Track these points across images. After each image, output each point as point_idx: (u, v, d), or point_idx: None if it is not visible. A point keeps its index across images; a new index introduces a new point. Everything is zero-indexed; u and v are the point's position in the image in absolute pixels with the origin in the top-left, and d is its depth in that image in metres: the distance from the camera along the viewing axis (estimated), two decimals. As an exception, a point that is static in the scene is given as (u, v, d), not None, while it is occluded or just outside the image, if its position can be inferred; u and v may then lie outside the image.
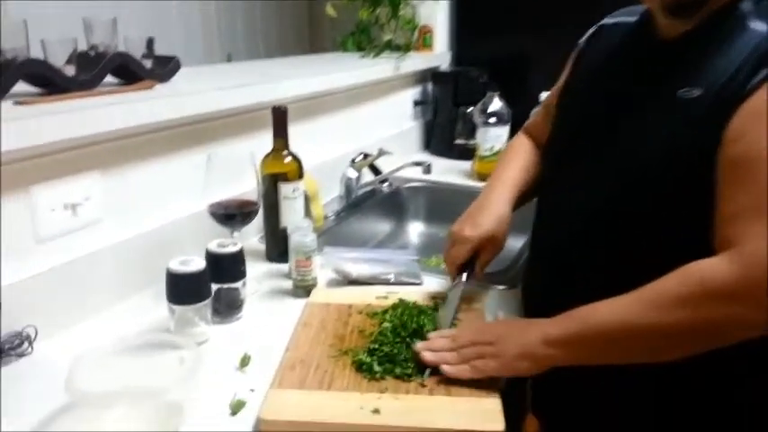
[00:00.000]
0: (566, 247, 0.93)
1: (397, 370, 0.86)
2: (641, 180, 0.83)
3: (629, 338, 0.78)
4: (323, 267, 1.19)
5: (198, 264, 0.95)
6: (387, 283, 1.17)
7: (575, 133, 0.98)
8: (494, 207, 1.06)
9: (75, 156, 1.01)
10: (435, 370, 0.85)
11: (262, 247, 1.33)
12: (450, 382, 0.84)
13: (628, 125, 0.87)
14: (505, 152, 1.21)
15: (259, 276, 1.21)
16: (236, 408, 0.81)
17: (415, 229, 1.81)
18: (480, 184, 1.80)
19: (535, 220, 1.05)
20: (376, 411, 0.78)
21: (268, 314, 1.07)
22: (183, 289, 0.94)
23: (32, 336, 0.93)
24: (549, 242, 0.99)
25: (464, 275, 1.05)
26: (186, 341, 0.84)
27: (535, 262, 1.04)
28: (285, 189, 1.23)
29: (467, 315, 1.02)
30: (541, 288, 1.00)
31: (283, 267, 1.24)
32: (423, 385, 0.84)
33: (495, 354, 0.83)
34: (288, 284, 1.16)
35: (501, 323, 0.92)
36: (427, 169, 1.64)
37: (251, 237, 1.38)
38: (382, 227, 1.73)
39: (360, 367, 0.87)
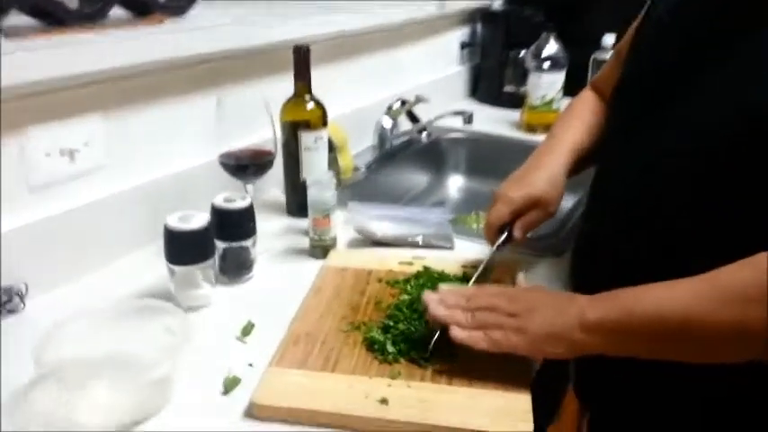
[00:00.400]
0: (627, 214, 0.79)
1: (413, 353, 0.75)
2: (719, 143, 0.68)
3: (683, 333, 0.64)
4: (346, 225, 1.09)
5: (200, 220, 0.85)
6: (414, 245, 1.06)
7: (645, 85, 0.82)
8: (546, 168, 0.93)
9: (74, 96, 0.91)
10: (444, 344, 0.74)
11: (283, 199, 1.23)
12: (472, 370, 0.72)
13: (709, 77, 0.71)
14: (568, 109, 1.05)
15: (277, 232, 1.11)
16: (230, 386, 0.73)
17: (455, 184, 1.67)
18: (528, 137, 1.67)
19: (594, 180, 0.90)
20: (383, 401, 0.68)
21: (280, 276, 0.98)
22: (182, 248, 0.85)
23: (23, 291, 0.86)
24: (608, 206, 0.84)
25: (501, 238, 0.92)
26: (175, 309, 0.75)
27: (590, 227, 0.90)
28: (306, 138, 1.11)
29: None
30: (595, 258, 0.86)
31: (303, 223, 1.13)
32: (440, 372, 0.73)
33: (519, 328, 0.70)
34: (305, 241, 1.06)
35: (532, 292, 0.77)
36: (468, 119, 1.49)
37: (272, 188, 1.28)
38: (418, 180, 1.60)
39: (371, 346, 0.77)
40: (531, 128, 1.69)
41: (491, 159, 1.65)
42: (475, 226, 1.40)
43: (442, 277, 0.91)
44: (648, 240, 0.75)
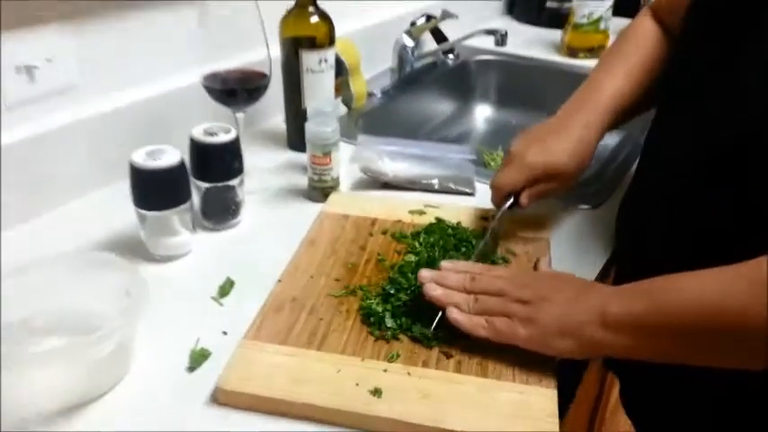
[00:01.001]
0: (682, 186, 0.64)
1: (416, 329, 0.62)
2: None
3: (720, 333, 0.51)
4: (352, 162, 0.94)
5: (171, 156, 0.71)
6: (429, 189, 0.92)
7: (711, 33, 0.63)
8: (575, 132, 0.75)
9: (33, 4, 0.76)
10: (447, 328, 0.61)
11: (284, 127, 1.08)
12: (486, 353, 0.60)
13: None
14: (617, 43, 0.84)
15: (274, 168, 0.98)
16: (196, 360, 0.61)
17: (482, 113, 1.50)
18: (569, 61, 1.47)
19: (648, 140, 0.74)
20: (376, 392, 0.56)
21: (271, 222, 0.85)
22: (151, 189, 0.72)
23: (-27, 233, 0.75)
24: (663, 174, 0.68)
25: (507, 203, 0.76)
26: (132, 268, 0.62)
27: (639, 191, 0.74)
28: (309, 59, 0.95)
29: (524, 247, 0.76)
30: (644, 227, 0.71)
31: (304, 157, 0.99)
32: (448, 355, 0.60)
33: (528, 318, 0.58)
34: (305, 180, 0.92)
35: (547, 278, 0.65)
36: (501, 40, 1.30)
37: (272, 116, 1.13)
38: (441, 109, 1.43)
39: (367, 318, 0.64)
40: (572, 51, 1.49)
41: (525, 87, 1.47)
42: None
43: (458, 232, 0.77)
44: (698, 221, 0.61)
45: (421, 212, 0.83)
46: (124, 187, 0.73)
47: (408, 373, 0.58)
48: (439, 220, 0.80)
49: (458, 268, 0.66)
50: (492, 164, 1.21)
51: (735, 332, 0.50)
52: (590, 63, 1.44)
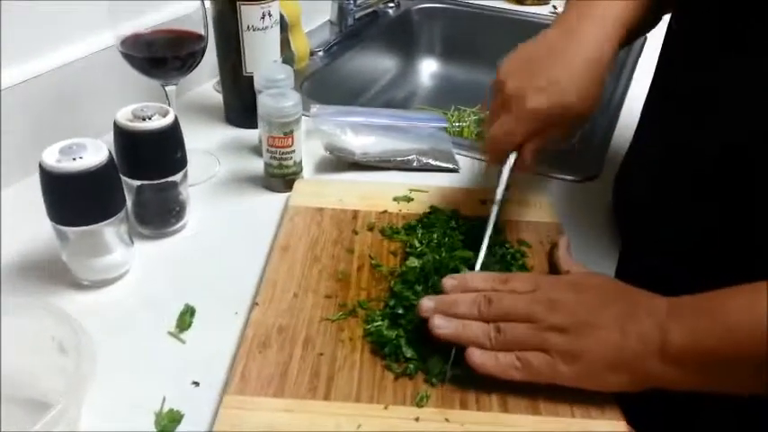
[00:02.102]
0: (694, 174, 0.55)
1: (432, 365, 0.50)
2: None
3: None
4: (308, 137, 0.79)
5: (95, 153, 0.54)
6: (405, 167, 0.78)
7: None
8: (584, 59, 0.58)
9: None
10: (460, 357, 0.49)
11: (218, 97, 0.90)
12: (529, 384, 0.49)
13: None
14: None
15: (214, 149, 0.81)
16: (167, 428, 0.46)
17: (428, 69, 1.37)
18: (517, 8, 1.36)
19: (649, 120, 0.64)
20: (414, 454, 0.44)
21: (226, 222, 0.69)
22: (71, 199, 0.54)
23: None
24: (671, 159, 0.59)
25: (509, 162, 0.61)
26: (60, 312, 0.46)
27: (641, 172, 0.65)
28: (249, 13, 0.77)
29: (536, 235, 0.65)
30: (650, 218, 0.62)
31: (250, 135, 0.83)
32: (487, 390, 0.49)
33: (569, 352, 0.47)
34: (258, 163, 0.76)
35: (586, 291, 0.51)
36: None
37: (202, 82, 0.94)
38: (386, 65, 1.28)
39: (379, 347, 0.51)
40: (519, -3, 1.37)
41: (470, 37, 1.35)
42: (457, 125, 1.13)
43: (462, 224, 0.65)
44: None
45: (408, 199, 0.70)
46: (26, 189, 0.56)
47: (447, 420, 0.47)
48: (434, 210, 0.67)
49: (466, 285, 0.53)
50: (454, 125, 1.09)
51: None
52: (539, 10, 1.35)
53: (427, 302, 0.51)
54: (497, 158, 0.62)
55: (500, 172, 0.61)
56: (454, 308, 0.50)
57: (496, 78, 0.60)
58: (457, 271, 0.57)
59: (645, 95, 0.68)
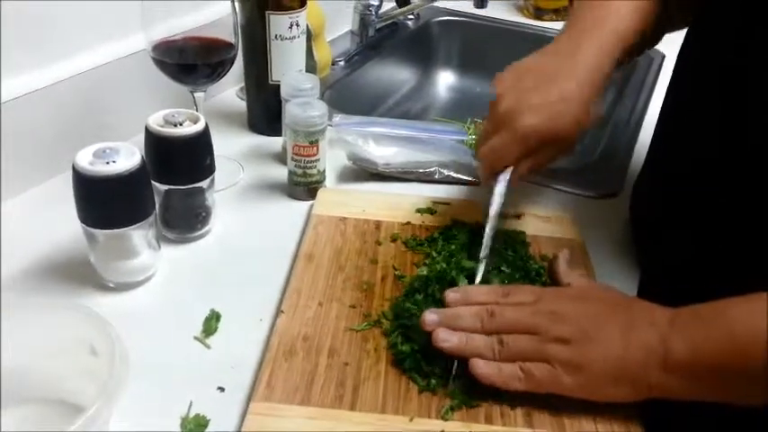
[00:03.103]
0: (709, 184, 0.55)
1: (434, 375, 0.51)
2: None
3: None
4: (330, 146, 0.80)
5: (128, 158, 0.54)
6: (427, 179, 0.79)
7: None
8: (577, 75, 0.58)
9: None
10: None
11: (241, 104, 0.91)
12: (553, 395, 0.49)
13: None
14: None
15: (238, 156, 0.81)
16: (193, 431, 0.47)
17: (445, 81, 1.37)
18: (535, 23, 1.36)
19: (665, 131, 0.64)
20: (440, 468, 0.44)
21: (250, 228, 0.69)
22: (102, 202, 0.55)
23: None
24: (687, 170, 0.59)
25: (503, 181, 0.61)
26: (92, 314, 0.46)
27: (658, 186, 0.65)
28: (277, 23, 0.78)
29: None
30: (665, 232, 0.62)
31: (274, 143, 0.84)
32: (511, 405, 0.49)
33: (571, 363, 0.47)
34: (280, 171, 0.77)
35: (587, 304, 0.51)
36: (480, 3, 1.17)
37: (225, 87, 0.95)
38: (404, 76, 1.29)
39: (400, 362, 0.52)
40: (539, 11, 1.38)
41: (488, 51, 1.35)
42: (473, 138, 1.13)
43: (475, 235, 0.65)
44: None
45: (431, 211, 0.70)
46: (61, 183, 0.56)
47: (470, 433, 0.47)
48: (456, 222, 0.68)
49: (468, 298, 0.53)
50: (470, 138, 1.09)
51: None
52: (557, 25, 1.35)
53: (430, 316, 0.52)
54: (490, 176, 0.62)
55: (493, 189, 0.62)
56: (457, 321, 0.51)
57: (492, 104, 0.61)
58: (455, 282, 0.58)
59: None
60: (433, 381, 0.50)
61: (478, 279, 0.58)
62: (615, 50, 0.60)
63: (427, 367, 0.51)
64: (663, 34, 0.68)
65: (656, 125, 0.70)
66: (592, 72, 0.59)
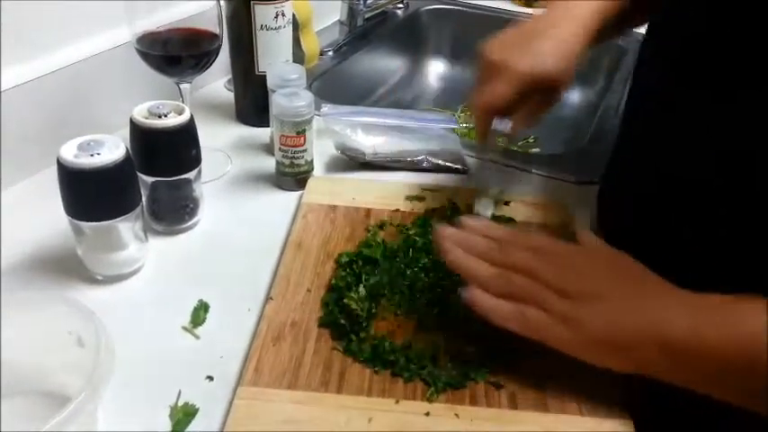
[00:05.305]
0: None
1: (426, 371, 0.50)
2: None
3: None
4: (319, 136, 0.80)
5: (112, 150, 0.54)
6: (416, 168, 0.79)
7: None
8: (560, 34, 0.61)
9: None
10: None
11: (228, 95, 0.91)
12: (538, 378, 0.50)
13: None
14: None
15: (226, 147, 0.81)
16: (181, 422, 0.47)
17: (436, 70, 1.37)
18: (525, 10, 1.36)
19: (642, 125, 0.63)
20: (427, 449, 0.45)
21: (238, 219, 0.69)
22: (88, 195, 0.55)
23: None
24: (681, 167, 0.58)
25: (504, 125, 0.64)
26: (78, 305, 0.47)
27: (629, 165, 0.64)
28: (263, 13, 0.78)
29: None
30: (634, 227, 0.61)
31: (262, 133, 0.84)
32: (497, 386, 0.50)
33: (569, 318, 0.47)
34: (269, 162, 0.77)
35: (598, 265, 0.51)
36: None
37: (213, 79, 0.95)
38: (394, 65, 1.29)
39: (376, 357, 0.51)
40: None
41: (478, 39, 1.35)
42: (464, 126, 1.14)
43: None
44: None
45: (420, 198, 0.71)
46: (46, 179, 0.56)
47: (456, 415, 0.47)
48: (439, 208, 0.68)
49: (485, 230, 0.54)
50: (462, 126, 1.09)
51: None
52: (547, 12, 1.35)
53: (444, 229, 0.53)
54: (487, 124, 0.63)
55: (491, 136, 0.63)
56: (468, 242, 0.52)
57: (481, 57, 0.62)
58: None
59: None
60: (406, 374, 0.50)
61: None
62: (593, 24, 0.62)
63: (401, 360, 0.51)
64: (637, 22, 0.68)
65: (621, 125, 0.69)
66: (569, 38, 0.61)
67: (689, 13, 0.53)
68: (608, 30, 0.65)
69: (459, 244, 0.51)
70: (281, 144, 0.71)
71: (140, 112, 0.60)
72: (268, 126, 0.81)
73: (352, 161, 0.79)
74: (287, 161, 0.72)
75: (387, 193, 0.71)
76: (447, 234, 0.52)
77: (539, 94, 0.62)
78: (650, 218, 0.58)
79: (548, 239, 0.54)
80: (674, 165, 0.55)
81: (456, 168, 0.79)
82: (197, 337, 0.55)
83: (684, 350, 0.44)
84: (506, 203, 0.71)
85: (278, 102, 0.69)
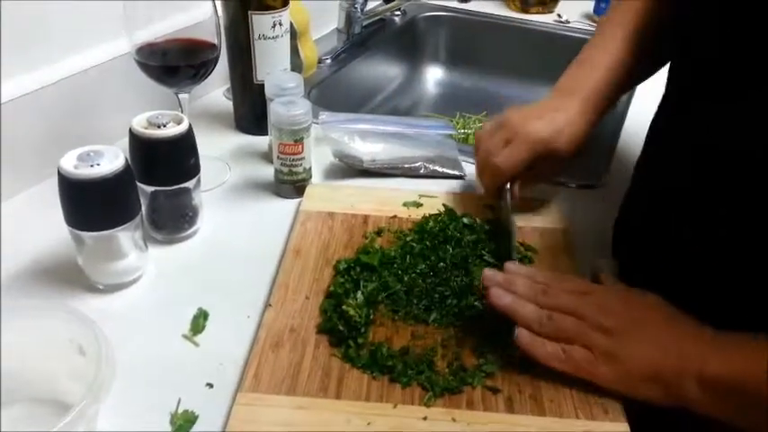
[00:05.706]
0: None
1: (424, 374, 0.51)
2: None
3: None
4: (317, 144, 0.80)
5: (112, 160, 0.55)
6: (413, 174, 0.80)
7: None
8: (573, 110, 0.65)
9: None
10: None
11: (228, 104, 0.92)
12: (534, 383, 0.51)
13: None
14: (611, 8, 0.72)
15: (225, 155, 0.82)
16: (181, 429, 0.48)
17: (433, 76, 1.38)
18: (521, 16, 1.37)
19: (659, 135, 0.64)
20: (425, 453, 0.45)
21: (237, 227, 0.70)
22: (88, 205, 0.56)
23: None
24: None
25: (508, 192, 0.68)
26: (78, 314, 0.47)
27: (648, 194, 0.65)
28: (260, 22, 0.79)
29: (541, 241, 0.67)
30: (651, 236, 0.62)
31: (260, 142, 0.85)
32: (494, 390, 0.50)
33: (610, 353, 0.49)
34: (267, 170, 0.77)
35: (635, 303, 0.53)
36: (464, -5, 1.18)
37: (212, 88, 0.96)
38: (392, 72, 1.30)
39: (373, 363, 0.52)
40: (525, 4, 1.39)
41: (475, 45, 1.36)
42: (462, 132, 1.14)
43: (461, 227, 0.66)
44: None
45: (417, 204, 0.71)
46: (47, 189, 0.57)
47: (453, 419, 0.48)
48: (428, 218, 0.69)
49: (525, 273, 0.55)
50: (459, 132, 1.10)
51: None
52: (543, 18, 1.36)
53: (491, 273, 0.54)
54: (496, 187, 0.67)
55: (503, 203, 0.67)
56: (513, 286, 0.53)
57: (501, 121, 0.67)
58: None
59: (649, 104, 0.69)
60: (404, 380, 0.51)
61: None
62: (598, 107, 0.66)
63: (399, 365, 0.51)
64: (657, 69, 0.70)
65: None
66: (587, 105, 0.66)
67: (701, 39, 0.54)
68: (615, 99, 0.69)
69: (504, 288, 0.53)
70: (280, 152, 0.72)
71: (139, 123, 0.61)
72: (267, 134, 0.81)
73: (350, 168, 0.79)
74: (285, 169, 0.72)
75: (384, 200, 0.71)
76: (493, 278, 0.54)
77: (548, 161, 0.65)
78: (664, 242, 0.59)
79: (586, 283, 0.57)
80: (677, 168, 0.56)
81: (453, 175, 0.80)
82: (197, 344, 0.55)
83: (719, 385, 0.46)
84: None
85: (276, 110, 0.70)
